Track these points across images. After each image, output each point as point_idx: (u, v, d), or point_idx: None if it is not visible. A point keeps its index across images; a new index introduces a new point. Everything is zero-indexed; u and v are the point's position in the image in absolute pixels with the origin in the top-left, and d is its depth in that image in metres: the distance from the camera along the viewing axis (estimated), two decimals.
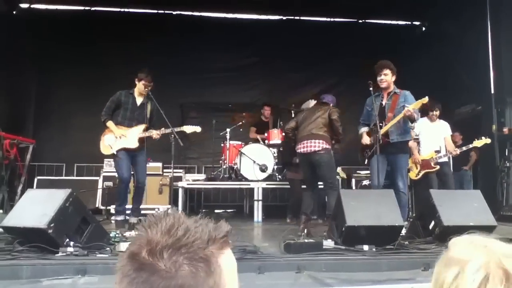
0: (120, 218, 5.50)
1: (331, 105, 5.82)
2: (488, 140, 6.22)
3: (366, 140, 5.10)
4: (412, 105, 4.76)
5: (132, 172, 5.62)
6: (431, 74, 9.26)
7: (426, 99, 4.83)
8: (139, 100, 5.66)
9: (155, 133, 5.51)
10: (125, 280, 0.76)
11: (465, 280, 0.81)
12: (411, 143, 6.32)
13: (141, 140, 5.54)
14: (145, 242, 0.77)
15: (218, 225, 0.80)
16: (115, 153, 5.47)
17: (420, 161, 6.39)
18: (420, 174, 6.40)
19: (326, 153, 5.41)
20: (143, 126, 5.58)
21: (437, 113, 6.49)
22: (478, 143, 6.21)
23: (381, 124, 4.82)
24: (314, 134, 5.48)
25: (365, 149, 5.16)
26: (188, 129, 5.73)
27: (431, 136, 6.48)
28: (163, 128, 5.57)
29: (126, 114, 5.57)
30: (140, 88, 5.61)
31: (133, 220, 5.22)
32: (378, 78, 4.99)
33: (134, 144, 5.49)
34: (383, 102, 5.00)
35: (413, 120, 4.79)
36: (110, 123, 5.51)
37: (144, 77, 5.57)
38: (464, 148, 6.37)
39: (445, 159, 6.49)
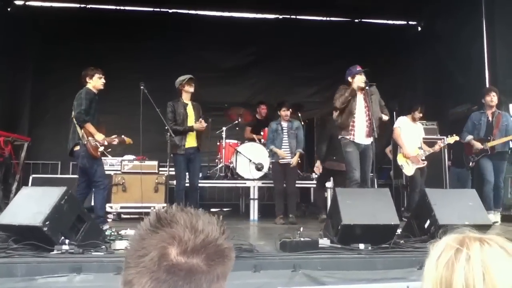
0: (106, 226, 4.86)
1: None
2: (457, 138, 6.40)
3: (479, 145, 6.16)
4: None
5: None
6: (426, 74, 9.29)
7: None
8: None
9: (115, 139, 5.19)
10: (153, 283, 0.77)
11: None
12: (400, 141, 6.70)
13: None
14: (170, 241, 0.79)
15: (215, 216, 0.87)
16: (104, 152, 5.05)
17: (410, 156, 6.48)
18: (413, 171, 6.48)
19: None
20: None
21: (421, 115, 6.68)
22: (450, 140, 6.43)
23: (489, 138, 6.10)
24: None
25: (472, 154, 6.23)
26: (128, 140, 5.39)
27: (412, 135, 6.60)
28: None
29: (95, 116, 5.03)
30: (97, 84, 5.07)
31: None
32: (488, 98, 6.17)
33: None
34: (490, 119, 6.22)
35: None
36: (90, 126, 4.96)
37: (100, 71, 5.11)
38: (437, 147, 6.49)
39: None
